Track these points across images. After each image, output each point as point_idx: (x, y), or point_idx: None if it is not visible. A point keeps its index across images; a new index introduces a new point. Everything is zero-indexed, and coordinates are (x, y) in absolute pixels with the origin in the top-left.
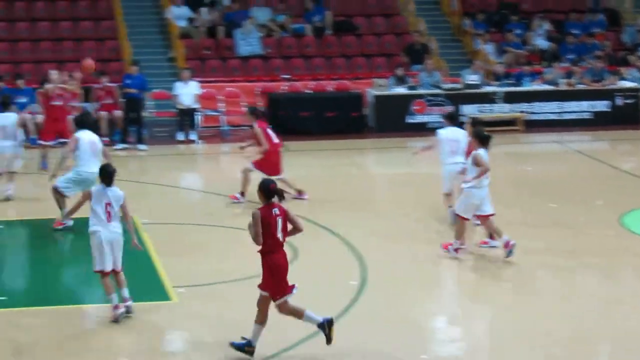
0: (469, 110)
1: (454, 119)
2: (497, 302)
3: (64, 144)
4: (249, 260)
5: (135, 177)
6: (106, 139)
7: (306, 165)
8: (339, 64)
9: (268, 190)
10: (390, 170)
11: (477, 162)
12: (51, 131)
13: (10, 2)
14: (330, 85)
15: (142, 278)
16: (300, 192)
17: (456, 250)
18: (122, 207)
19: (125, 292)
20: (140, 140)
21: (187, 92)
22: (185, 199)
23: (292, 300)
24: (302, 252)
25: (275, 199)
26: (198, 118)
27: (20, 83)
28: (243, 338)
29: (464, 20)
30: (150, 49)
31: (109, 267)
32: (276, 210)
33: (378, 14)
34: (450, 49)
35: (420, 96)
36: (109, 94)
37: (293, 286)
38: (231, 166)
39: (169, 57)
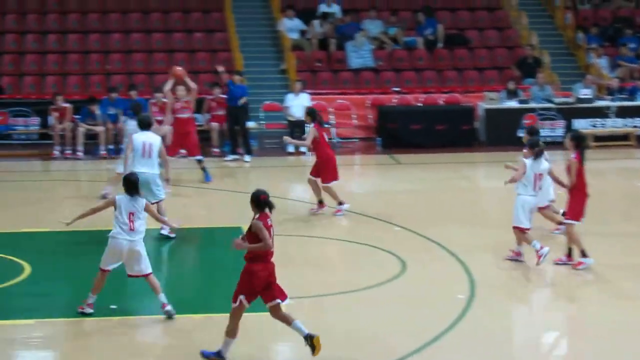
0: (581, 125)
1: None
2: (607, 318)
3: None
4: (359, 272)
5: (243, 188)
6: (217, 149)
7: (416, 179)
8: (451, 77)
9: (258, 201)
10: (500, 184)
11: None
12: (176, 144)
13: (125, 14)
14: (441, 98)
15: None
16: (321, 204)
17: (539, 253)
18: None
19: (162, 298)
20: (247, 151)
21: (298, 104)
22: (293, 211)
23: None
24: (410, 265)
25: (266, 210)
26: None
27: (133, 94)
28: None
29: (577, 33)
30: (262, 60)
31: (110, 267)
32: (270, 221)
33: (490, 27)
34: (562, 62)
35: (531, 110)
36: (221, 105)
37: (286, 295)
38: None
39: (280, 69)
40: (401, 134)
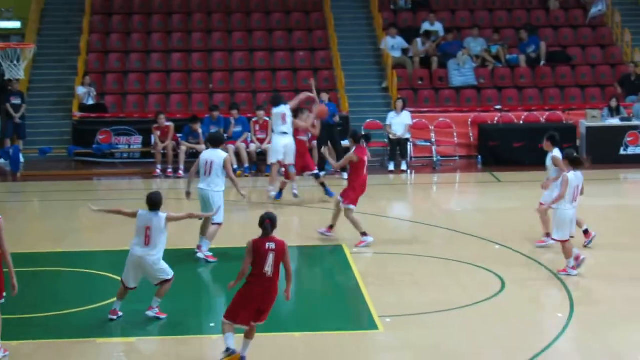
0: None
1: (576, 163)
2: None
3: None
4: (458, 291)
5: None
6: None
7: (517, 197)
8: (553, 95)
9: (260, 222)
10: (601, 202)
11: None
12: (298, 165)
13: (228, 33)
14: (542, 116)
15: (350, 306)
16: (331, 228)
17: (573, 268)
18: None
19: (155, 302)
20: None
21: (400, 122)
22: (394, 229)
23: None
24: (509, 283)
25: (267, 232)
26: (409, 148)
27: (234, 113)
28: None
29: None
30: (364, 79)
31: (130, 285)
32: (271, 245)
33: (593, 44)
34: None
35: (634, 128)
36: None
37: (248, 324)
38: (441, 197)
39: (382, 87)
40: (502, 152)
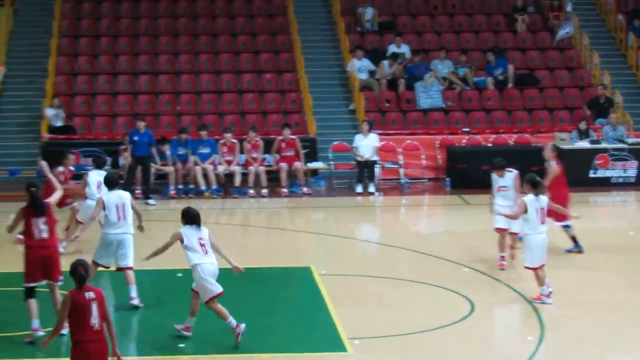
0: None
1: (537, 186)
2: None
3: None
4: (426, 313)
5: (313, 228)
6: (285, 190)
7: (485, 219)
8: (521, 117)
9: (72, 271)
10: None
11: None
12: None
13: (195, 55)
14: (511, 139)
15: (318, 328)
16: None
17: (547, 296)
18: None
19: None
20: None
21: (367, 144)
22: (362, 251)
23: None
24: (479, 306)
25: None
26: (377, 170)
27: (203, 134)
28: None
29: None
30: (331, 101)
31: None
32: (91, 294)
33: (561, 66)
34: (635, 102)
35: (603, 150)
36: (290, 145)
37: None
38: (409, 219)
39: (349, 110)
40: (470, 175)
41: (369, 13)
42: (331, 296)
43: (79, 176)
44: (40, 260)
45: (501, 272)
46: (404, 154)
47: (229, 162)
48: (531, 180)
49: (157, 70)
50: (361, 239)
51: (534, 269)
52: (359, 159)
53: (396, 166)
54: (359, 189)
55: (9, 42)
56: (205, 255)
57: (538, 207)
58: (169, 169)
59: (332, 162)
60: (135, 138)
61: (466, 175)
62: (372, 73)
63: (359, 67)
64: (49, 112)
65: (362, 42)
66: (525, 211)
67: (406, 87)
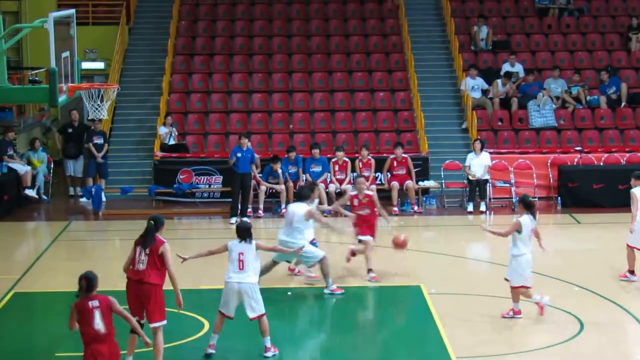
0: None
1: (529, 206)
2: None
3: None
4: (535, 332)
5: (423, 247)
6: (396, 208)
7: (596, 238)
8: (633, 136)
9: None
10: None
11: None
12: None
13: (309, 74)
14: (623, 158)
15: (427, 347)
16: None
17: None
18: None
19: (267, 342)
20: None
21: (479, 162)
22: (472, 270)
23: None
24: (588, 326)
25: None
26: (489, 189)
27: (315, 153)
28: None
29: None
30: (444, 119)
31: (227, 312)
32: (94, 302)
33: None
34: None
35: None
36: (402, 164)
37: None
38: None
39: (462, 128)
40: (582, 194)
41: (483, 32)
42: (440, 315)
43: (190, 193)
44: (131, 293)
45: (614, 292)
46: (516, 173)
47: (340, 181)
48: (524, 201)
49: (270, 89)
50: (471, 257)
51: (515, 287)
52: (470, 177)
53: (508, 185)
54: (470, 207)
55: (124, 60)
56: (238, 271)
57: (532, 228)
58: (280, 187)
59: (443, 181)
60: (238, 155)
61: (578, 194)
62: (485, 92)
63: (473, 85)
64: (162, 130)
65: (475, 60)
66: (519, 231)
67: (519, 106)
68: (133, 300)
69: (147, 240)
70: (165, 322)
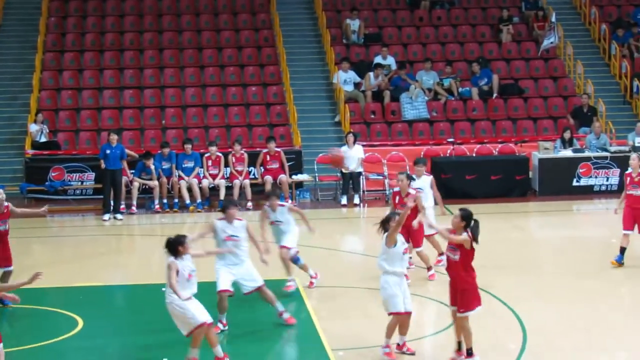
0: None
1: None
2: None
3: None
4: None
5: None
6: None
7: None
8: (505, 127)
9: None
10: (555, 233)
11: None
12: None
13: (181, 69)
14: (495, 149)
15: (302, 340)
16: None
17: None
18: None
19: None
20: None
21: (352, 155)
22: (347, 262)
23: None
24: None
25: None
26: (362, 181)
27: (188, 148)
28: None
29: (633, 82)
30: (317, 113)
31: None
32: None
33: (545, 76)
34: (618, 111)
35: (586, 159)
36: (275, 158)
37: None
38: None
39: (335, 121)
40: (455, 185)
41: (355, 25)
42: (314, 307)
43: (62, 191)
44: None
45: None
46: (389, 165)
47: (213, 176)
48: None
49: (142, 84)
50: (345, 250)
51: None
52: (344, 170)
53: (381, 177)
54: (344, 200)
55: None
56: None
57: None
58: (154, 183)
59: (317, 174)
60: (108, 151)
61: (451, 185)
62: (357, 85)
63: (345, 79)
64: (33, 127)
65: (347, 54)
66: None
67: (391, 99)
68: None
69: None
70: None
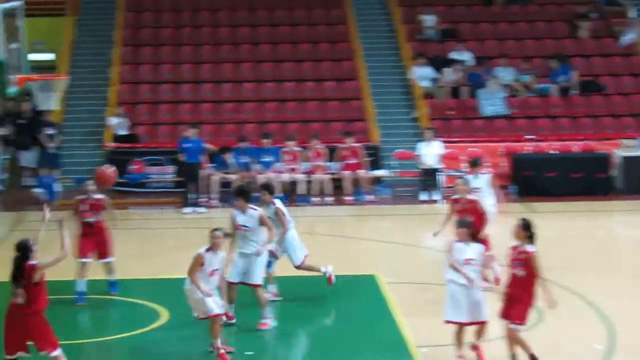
0: None
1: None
2: None
3: None
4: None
5: (377, 236)
6: (350, 197)
7: (552, 227)
8: (585, 124)
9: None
10: (638, 232)
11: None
12: None
13: (258, 63)
14: (575, 146)
15: (385, 337)
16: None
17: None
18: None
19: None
20: None
21: (430, 152)
22: (427, 259)
23: None
24: (547, 314)
25: None
26: (441, 178)
27: (266, 142)
28: None
29: None
30: (394, 109)
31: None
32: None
33: (625, 73)
34: None
35: None
36: (353, 153)
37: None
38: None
39: (412, 117)
40: (536, 182)
41: (430, 20)
42: (397, 304)
43: (142, 184)
44: None
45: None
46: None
47: (291, 171)
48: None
49: (220, 78)
50: (425, 246)
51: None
52: (422, 166)
53: (460, 174)
54: (423, 196)
55: (72, 51)
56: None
57: None
58: (233, 177)
59: (395, 170)
60: (186, 145)
61: (531, 182)
62: (434, 80)
63: (422, 74)
64: (113, 120)
65: (424, 49)
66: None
67: (469, 95)
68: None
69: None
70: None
